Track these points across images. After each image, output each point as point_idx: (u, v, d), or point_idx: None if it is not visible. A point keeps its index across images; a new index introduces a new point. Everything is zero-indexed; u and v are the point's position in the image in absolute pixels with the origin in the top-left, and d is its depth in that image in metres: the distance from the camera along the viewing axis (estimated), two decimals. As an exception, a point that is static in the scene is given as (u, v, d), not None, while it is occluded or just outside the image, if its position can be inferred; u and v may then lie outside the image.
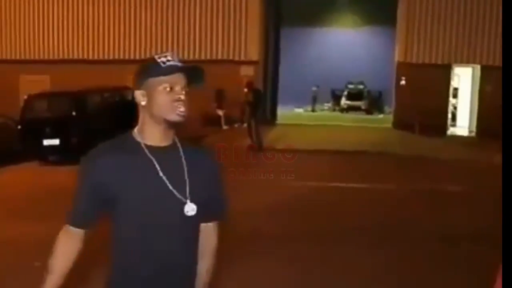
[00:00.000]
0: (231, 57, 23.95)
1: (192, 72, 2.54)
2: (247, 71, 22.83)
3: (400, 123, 23.87)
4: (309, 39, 43.44)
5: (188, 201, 2.50)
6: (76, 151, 14.85)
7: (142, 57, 24.01)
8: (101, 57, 24.47)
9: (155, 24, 24.18)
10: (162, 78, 2.44)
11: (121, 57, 24.30)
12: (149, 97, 2.48)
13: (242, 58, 23.94)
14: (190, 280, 2.66)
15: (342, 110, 37.90)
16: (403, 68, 24.02)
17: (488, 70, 22.69)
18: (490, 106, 21.75)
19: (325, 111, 39.24)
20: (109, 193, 2.47)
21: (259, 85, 21.93)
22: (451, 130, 24.55)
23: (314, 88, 38.63)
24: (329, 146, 18.15)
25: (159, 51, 23.52)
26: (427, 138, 20.91)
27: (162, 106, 2.46)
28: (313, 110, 38.55)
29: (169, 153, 2.53)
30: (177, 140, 2.58)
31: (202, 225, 2.68)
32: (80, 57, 24.53)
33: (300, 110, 37.86)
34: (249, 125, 18.17)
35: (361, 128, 25.80)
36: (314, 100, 39.12)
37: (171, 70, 2.45)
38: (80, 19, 24.55)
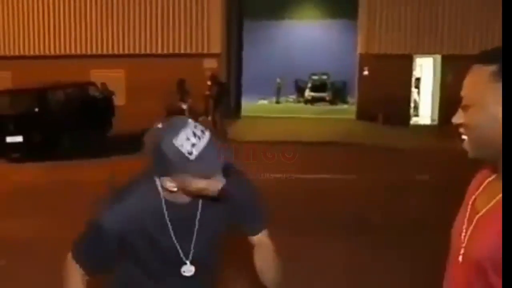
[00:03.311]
0: (193, 50, 23.86)
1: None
2: (210, 64, 22.77)
3: (363, 114, 24.05)
4: (272, 32, 43.53)
5: (188, 262, 2.48)
6: (39, 148, 14.88)
7: (105, 51, 23.84)
8: (63, 52, 24.17)
9: (116, 18, 23.97)
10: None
11: (84, 52, 24.04)
12: (181, 184, 2.22)
13: (205, 51, 23.86)
14: None
15: (306, 101, 38.07)
16: (366, 59, 24.18)
17: (449, 60, 22.96)
18: (451, 95, 22.00)
19: (289, 103, 39.40)
20: (127, 247, 2.37)
21: (223, 78, 21.90)
22: (413, 120, 24.81)
23: (278, 80, 38.77)
24: (294, 138, 18.21)
25: (121, 45, 23.57)
26: (390, 128, 21.13)
27: (198, 192, 2.25)
28: (277, 102, 38.69)
29: (186, 209, 2.40)
30: None
31: (251, 238, 2.68)
32: (42, 52, 24.20)
33: (265, 102, 37.95)
34: (213, 119, 18.18)
35: (325, 120, 25.95)
36: (279, 92, 39.28)
37: (205, 170, 2.15)
38: (41, 14, 24.24)
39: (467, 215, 1.82)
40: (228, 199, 2.43)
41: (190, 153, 2.08)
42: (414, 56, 24.07)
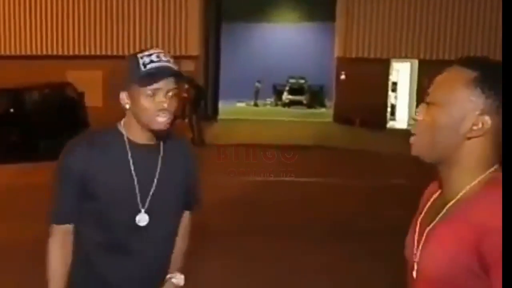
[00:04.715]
0: (171, 53, 23.63)
1: (178, 74, 2.40)
2: (187, 66, 22.71)
3: (340, 117, 24.15)
4: (250, 35, 43.55)
5: (142, 210, 2.45)
6: (15, 149, 14.73)
7: (82, 52, 23.73)
8: (39, 52, 23.98)
9: (94, 18, 23.84)
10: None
11: (60, 52, 23.89)
12: (132, 101, 2.38)
13: (183, 53, 23.81)
14: (162, 275, 2.66)
15: (284, 104, 38.14)
16: (343, 63, 24.29)
17: (425, 65, 23.12)
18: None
19: (267, 106, 39.44)
20: (89, 188, 2.40)
21: (200, 80, 21.88)
22: (390, 124, 24.94)
23: (256, 83, 38.80)
24: (272, 141, 18.22)
25: (98, 46, 23.47)
26: (367, 131, 21.23)
27: (144, 114, 2.35)
28: (255, 105, 38.71)
29: (149, 152, 2.47)
30: (161, 138, 2.50)
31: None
32: (18, 52, 23.99)
33: (243, 105, 37.96)
34: (190, 122, 18.14)
35: (302, 123, 26.01)
36: (257, 95, 39.29)
37: (151, 76, 2.31)
38: (17, 14, 24.03)
39: (417, 230, 1.83)
40: (178, 148, 2.60)
41: (145, 65, 2.31)
42: (391, 60, 24.23)
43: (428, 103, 1.75)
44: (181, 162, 2.59)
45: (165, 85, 2.32)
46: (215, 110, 26.92)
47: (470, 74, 1.67)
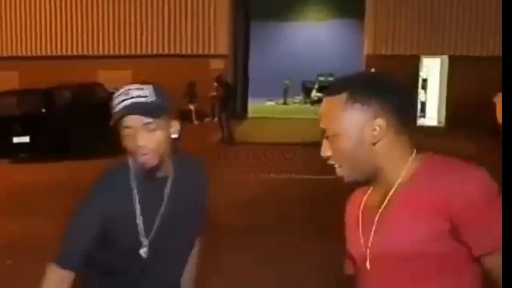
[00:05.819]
0: (200, 51, 23.90)
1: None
2: (217, 65, 22.79)
3: (370, 115, 24.00)
4: (279, 33, 43.58)
5: (146, 242, 2.39)
6: (46, 149, 14.90)
7: (112, 52, 23.92)
8: (70, 52, 24.25)
9: (123, 18, 24.04)
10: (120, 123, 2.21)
11: (91, 52, 24.12)
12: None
13: (212, 52, 23.90)
14: None
15: (313, 102, 38.07)
16: (372, 60, 24.15)
17: (456, 61, 22.92)
18: (458, 96, 22.00)
19: (296, 104, 39.42)
20: (100, 227, 2.34)
21: (229, 79, 21.91)
22: (420, 121, 24.73)
23: (286, 81, 38.79)
24: (300, 139, 18.17)
25: (127, 45, 23.64)
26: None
27: (129, 154, 2.30)
28: (284, 103, 38.70)
29: (156, 185, 2.38)
30: (171, 166, 2.40)
31: None
32: (49, 53, 24.27)
33: (272, 103, 37.98)
34: (219, 120, 18.17)
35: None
36: (286, 93, 39.29)
37: (120, 115, 2.19)
38: (48, 14, 24.31)
39: (360, 225, 1.91)
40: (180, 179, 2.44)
41: (115, 105, 2.22)
42: (421, 56, 24.04)
43: (328, 138, 1.90)
44: (191, 189, 2.49)
45: (135, 122, 2.20)
46: (245, 109, 26.95)
47: (342, 97, 1.85)
